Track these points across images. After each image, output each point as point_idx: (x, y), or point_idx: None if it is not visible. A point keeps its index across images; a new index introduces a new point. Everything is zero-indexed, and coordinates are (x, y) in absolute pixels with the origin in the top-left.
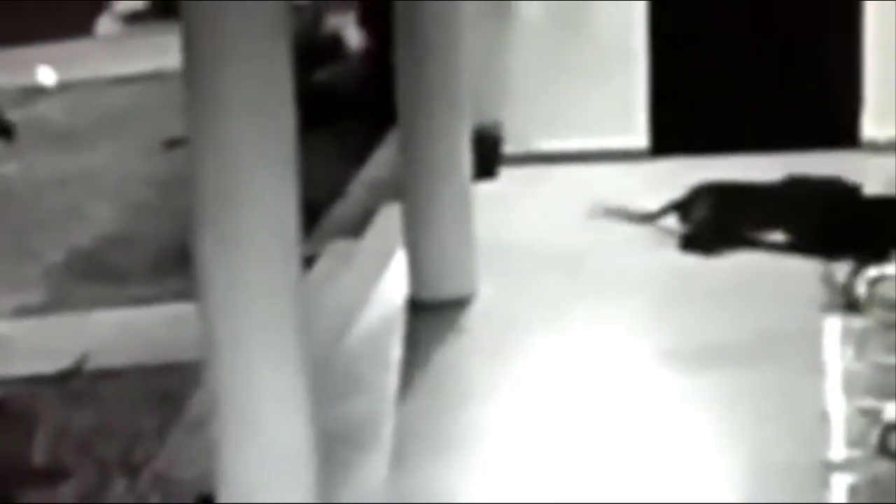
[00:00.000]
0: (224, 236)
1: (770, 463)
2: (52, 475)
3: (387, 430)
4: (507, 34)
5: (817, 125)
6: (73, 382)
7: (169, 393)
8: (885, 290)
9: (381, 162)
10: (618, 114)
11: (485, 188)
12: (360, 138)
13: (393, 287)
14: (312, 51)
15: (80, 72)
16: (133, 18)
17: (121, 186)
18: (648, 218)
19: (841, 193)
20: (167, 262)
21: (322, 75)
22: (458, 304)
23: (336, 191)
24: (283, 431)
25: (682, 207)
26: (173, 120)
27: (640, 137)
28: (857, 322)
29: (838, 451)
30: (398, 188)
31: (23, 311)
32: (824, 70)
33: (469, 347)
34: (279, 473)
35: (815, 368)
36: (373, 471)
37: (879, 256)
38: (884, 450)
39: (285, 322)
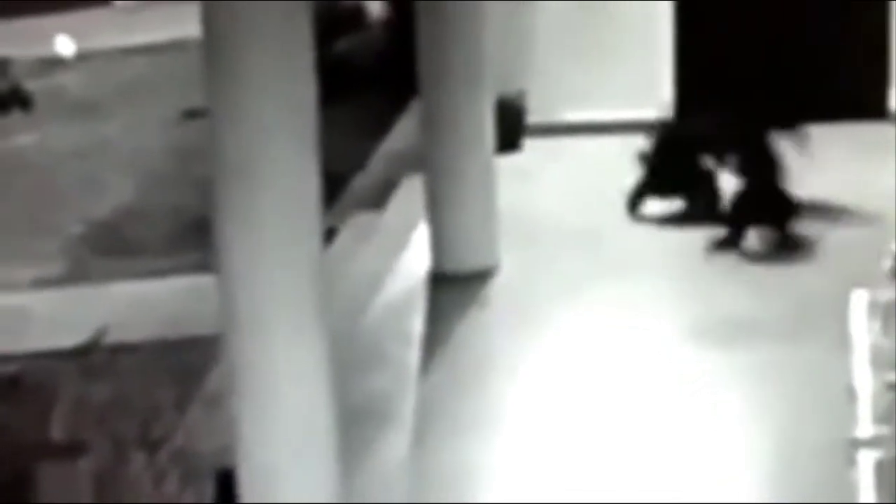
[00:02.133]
0: (244, 208)
1: (796, 440)
2: (71, 449)
3: (408, 404)
4: (530, 4)
5: (845, 98)
6: (91, 356)
7: (188, 367)
8: None
9: (402, 134)
10: (643, 85)
11: (508, 160)
12: (382, 110)
13: (415, 260)
14: (333, 21)
15: (99, 42)
16: None
17: (139, 158)
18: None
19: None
20: (186, 234)
21: (343, 46)
22: (480, 278)
23: (357, 162)
24: (303, 405)
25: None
26: (193, 90)
27: (665, 109)
28: (884, 296)
29: (865, 427)
30: (420, 160)
31: (41, 284)
32: (852, 42)
33: (491, 321)
34: (299, 448)
35: (842, 343)
36: (394, 445)
37: None
38: None
39: (305, 295)
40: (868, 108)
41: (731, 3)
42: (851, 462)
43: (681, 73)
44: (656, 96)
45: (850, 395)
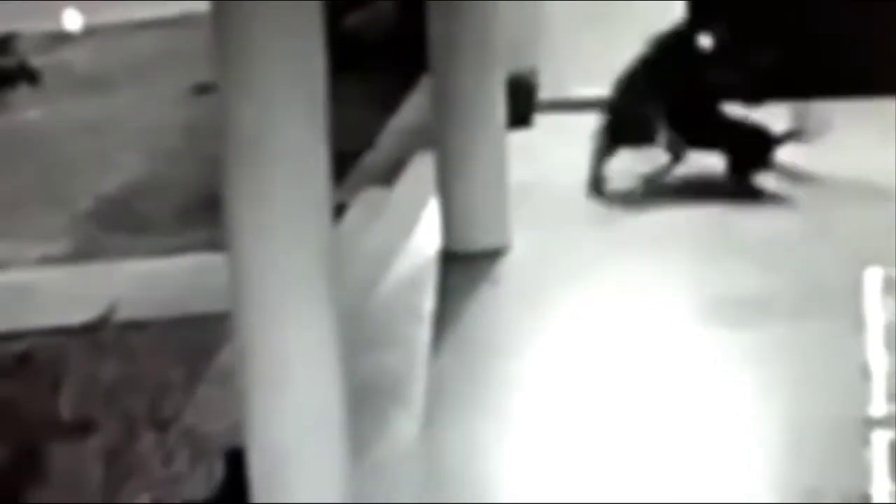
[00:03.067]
0: (253, 184)
1: (810, 419)
2: (80, 428)
3: (418, 382)
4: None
5: (860, 72)
6: (100, 334)
7: (197, 345)
8: None
9: (413, 109)
10: None
11: (519, 136)
12: (392, 85)
13: (425, 237)
14: None
15: (107, 15)
16: None
17: (148, 133)
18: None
19: None
20: (195, 210)
21: (353, 21)
22: (491, 256)
23: (367, 138)
24: (313, 384)
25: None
26: (202, 65)
27: None
28: None
29: (879, 406)
30: (431, 136)
31: (49, 261)
32: (868, 18)
33: (502, 300)
34: (309, 426)
35: (856, 322)
36: (405, 424)
37: None
38: None
39: (315, 272)
40: (884, 84)
41: None
42: (865, 441)
43: None
44: None
45: (864, 373)
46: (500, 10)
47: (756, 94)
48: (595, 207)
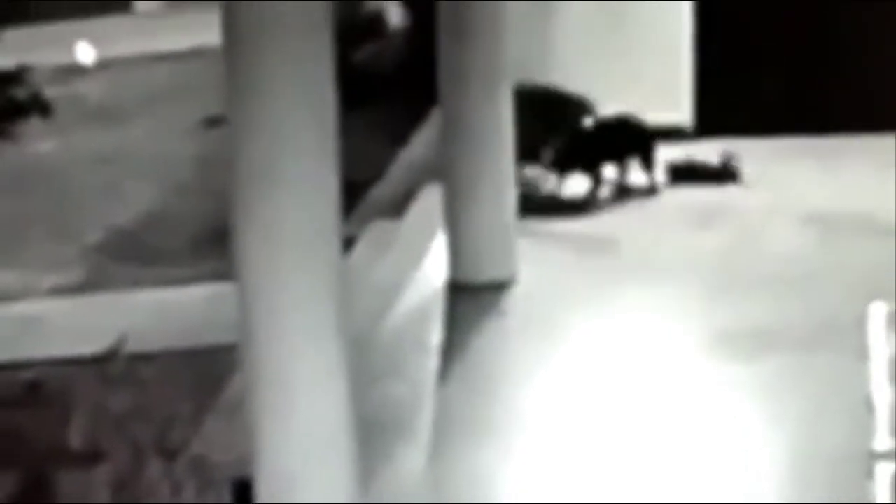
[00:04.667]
0: (263, 217)
1: (814, 451)
2: (89, 457)
3: (426, 414)
4: (550, 12)
5: (865, 108)
6: (110, 364)
7: (206, 376)
8: None
9: (422, 142)
10: (663, 92)
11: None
12: (402, 118)
13: (433, 269)
14: (354, 29)
15: (120, 49)
16: None
17: (159, 165)
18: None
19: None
20: (205, 242)
21: (363, 54)
22: (498, 287)
23: (377, 171)
24: (321, 415)
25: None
26: (213, 98)
27: (684, 115)
28: None
29: (883, 439)
30: (439, 169)
31: (60, 291)
32: (875, 51)
33: (509, 331)
34: (317, 457)
35: (861, 355)
36: (411, 455)
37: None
38: None
39: (324, 304)
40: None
41: (753, 13)
42: (869, 474)
43: (701, 81)
44: (677, 103)
45: (869, 406)
46: (508, 44)
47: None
48: (601, 238)
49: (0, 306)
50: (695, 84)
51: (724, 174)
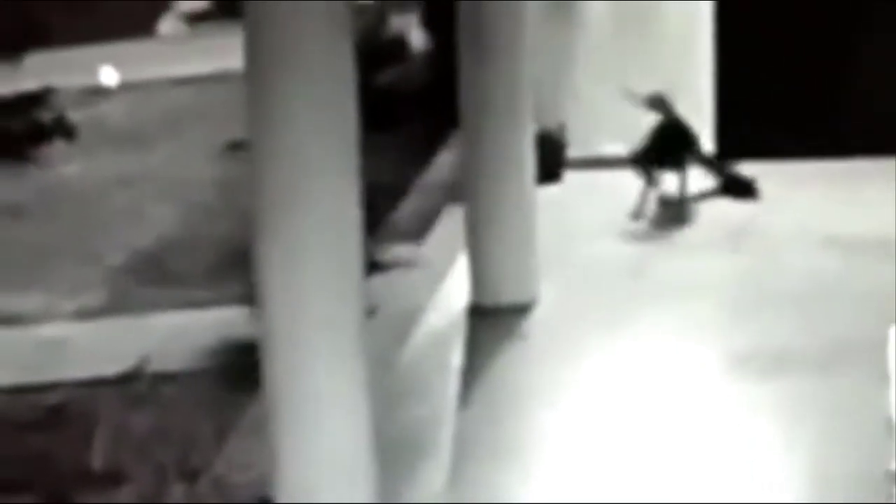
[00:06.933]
0: (285, 240)
1: (832, 472)
2: (111, 479)
3: (446, 436)
4: (571, 36)
5: (885, 131)
6: (132, 386)
7: (228, 397)
8: None
9: (444, 165)
10: (684, 118)
11: (548, 192)
12: (423, 141)
13: (455, 292)
14: (376, 52)
15: (143, 72)
16: (196, 18)
17: (182, 188)
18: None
19: None
20: (227, 265)
21: (385, 77)
22: (519, 310)
23: (398, 194)
24: (342, 436)
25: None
26: (235, 122)
27: (705, 142)
28: None
29: None
30: (461, 191)
31: (84, 314)
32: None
33: (530, 354)
34: (338, 478)
35: (880, 377)
36: (432, 478)
37: None
38: None
39: (345, 326)
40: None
41: (774, 36)
42: (888, 496)
43: (722, 106)
44: (699, 129)
45: (888, 428)
46: (529, 68)
47: None
48: (623, 261)
49: (24, 329)
50: (716, 109)
51: (750, 189)
